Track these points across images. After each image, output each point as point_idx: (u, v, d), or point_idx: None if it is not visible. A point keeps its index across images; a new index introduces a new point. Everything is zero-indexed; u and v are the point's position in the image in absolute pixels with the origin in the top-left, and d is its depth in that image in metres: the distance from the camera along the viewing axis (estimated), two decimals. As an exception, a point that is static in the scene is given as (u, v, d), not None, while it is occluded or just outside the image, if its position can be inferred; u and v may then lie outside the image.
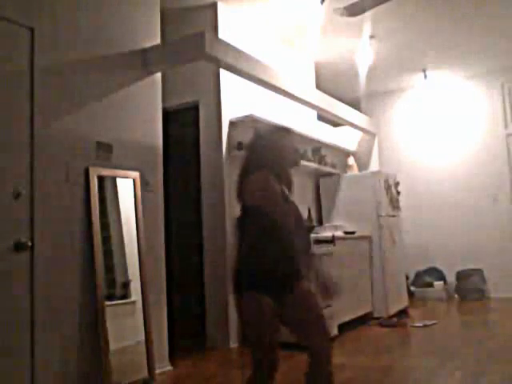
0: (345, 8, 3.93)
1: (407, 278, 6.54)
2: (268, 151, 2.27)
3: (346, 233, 5.35)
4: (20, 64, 2.87)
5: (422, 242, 6.98)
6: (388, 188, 5.92)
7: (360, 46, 5.63)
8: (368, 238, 5.59)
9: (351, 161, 6.47)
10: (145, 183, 3.64)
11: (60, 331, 2.94)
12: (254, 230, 2.14)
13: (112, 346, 3.13)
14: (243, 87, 4.78)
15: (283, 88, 4.70)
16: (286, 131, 2.40)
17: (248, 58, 4.22)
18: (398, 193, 6.21)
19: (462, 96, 7.07)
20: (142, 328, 3.40)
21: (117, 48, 3.57)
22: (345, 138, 6.87)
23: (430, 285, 6.76)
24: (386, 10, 4.63)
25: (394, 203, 6.05)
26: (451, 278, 6.74)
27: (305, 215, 5.39)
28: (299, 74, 5.91)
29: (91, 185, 3.20)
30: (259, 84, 4.51)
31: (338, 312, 4.64)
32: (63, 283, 2.99)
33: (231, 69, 4.12)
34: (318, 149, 5.91)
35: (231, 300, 4.36)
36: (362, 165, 6.89)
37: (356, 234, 5.43)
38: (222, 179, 4.47)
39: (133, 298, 3.42)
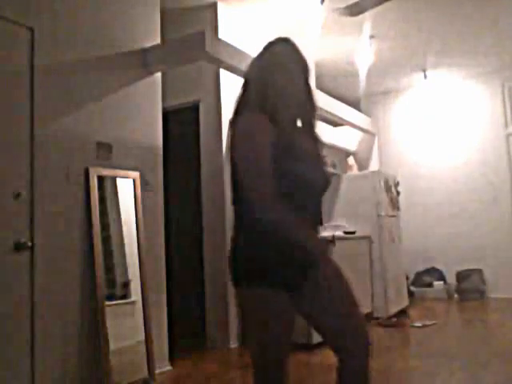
0: (345, 8, 3.94)
1: (407, 277, 6.54)
2: (260, 79, 1.58)
3: (346, 233, 5.35)
4: (20, 64, 2.87)
5: (422, 241, 6.98)
6: (388, 188, 5.92)
7: (360, 46, 5.62)
8: (368, 238, 5.59)
9: (351, 161, 6.47)
10: (145, 183, 3.64)
11: (60, 331, 2.94)
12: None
13: (112, 346, 3.13)
14: (243, 87, 4.77)
15: (283, 88, 4.69)
16: (285, 44, 1.64)
17: (248, 57, 4.20)
18: (398, 193, 6.21)
19: (462, 96, 7.07)
20: (142, 328, 3.40)
21: (117, 48, 3.57)
22: (345, 138, 6.87)
23: (430, 285, 6.77)
24: (386, 10, 4.63)
25: (394, 203, 6.05)
26: (451, 278, 6.74)
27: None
28: (299, 74, 5.90)
29: (91, 185, 3.19)
30: (259, 84, 4.50)
31: (338, 312, 4.64)
32: (63, 283, 2.99)
33: (231, 69, 4.12)
34: (318, 149, 5.91)
35: (231, 299, 4.37)
36: (362, 165, 6.89)
37: (356, 234, 5.43)
38: (222, 179, 4.46)
39: (133, 298, 3.42)
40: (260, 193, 1.46)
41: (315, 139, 1.71)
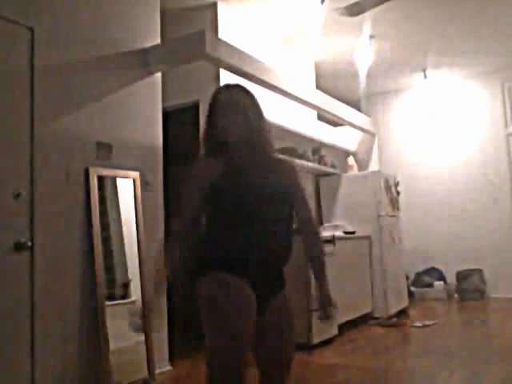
0: (345, 8, 3.94)
1: (407, 277, 6.54)
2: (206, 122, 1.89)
3: (346, 233, 5.35)
4: (20, 64, 2.87)
5: (422, 241, 6.98)
6: (388, 188, 5.92)
7: (360, 46, 5.62)
8: (368, 238, 5.59)
9: (351, 161, 6.47)
10: (145, 183, 3.64)
11: (60, 331, 2.93)
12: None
13: (112, 346, 3.13)
14: (243, 87, 4.77)
15: (283, 88, 4.69)
16: (219, 89, 1.92)
17: (248, 57, 4.22)
18: (398, 193, 6.21)
19: (462, 96, 7.07)
20: (142, 328, 3.40)
21: (117, 48, 3.57)
22: (345, 138, 6.87)
23: (430, 285, 6.76)
24: (386, 10, 4.63)
25: (394, 203, 6.05)
26: (451, 278, 6.74)
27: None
28: (299, 74, 5.90)
29: (91, 185, 3.19)
30: (259, 84, 4.50)
31: (338, 312, 4.64)
32: (63, 283, 2.99)
33: (231, 69, 4.12)
34: (318, 149, 5.91)
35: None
36: (362, 165, 6.89)
37: (356, 234, 5.43)
38: (222, 179, 4.45)
39: (133, 298, 3.42)
40: (173, 229, 1.85)
41: (269, 165, 1.86)
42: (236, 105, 1.83)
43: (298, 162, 5.28)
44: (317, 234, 1.97)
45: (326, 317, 1.86)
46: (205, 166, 1.83)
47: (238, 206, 1.74)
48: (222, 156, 1.82)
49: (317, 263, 1.93)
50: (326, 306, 1.86)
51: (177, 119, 5.00)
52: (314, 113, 6.12)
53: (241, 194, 1.75)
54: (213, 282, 1.72)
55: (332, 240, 4.72)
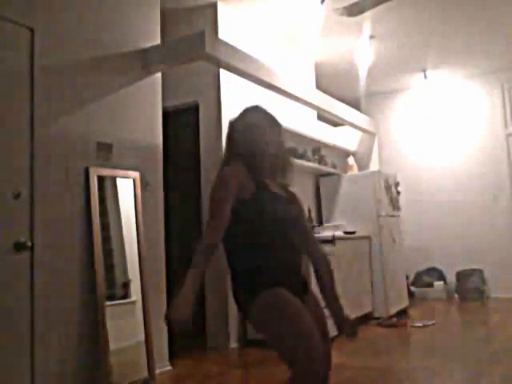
0: (345, 8, 3.93)
1: (407, 277, 6.54)
2: (245, 137, 2.07)
3: (346, 233, 5.35)
4: (20, 64, 2.87)
5: (422, 241, 6.98)
6: (388, 188, 5.92)
7: (360, 46, 5.63)
8: (368, 238, 5.59)
9: (351, 161, 6.47)
10: (145, 183, 3.64)
11: (60, 331, 2.94)
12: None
13: (112, 346, 3.13)
14: (243, 87, 4.78)
15: (283, 88, 4.69)
16: (271, 118, 2.19)
17: (248, 57, 4.22)
18: (398, 193, 6.21)
19: (462, 96, 7.07)
20: (142, 328, 3.39)
21: (117, 48, 3.57)
22: (345, 138, 6.87)
23: (430, 285, 6.77)
24: (386, 10, 4.63)
25: (394, 203, 6.05)
26: (451, 278, 6.74)
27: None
28: (299, 74, 5.90)
29: (91, 185, 3.20)
30: (259, 84, 4.51)
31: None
32: (63, 283, 2.99)
33: (231, 69, 4.12)
34: (318, 149, 5.91)
35: (231, 299, 4.37)
36: (362, 165, 6.89)
37: (356, 234, 5.43)
38: (222, 179, 4.45)
39: (133, 298, 3.42)
40: (205, 241, 1.77)
41: (283, 184, 2.05)
42: (272, 123, 2.20)
43: (298, 162, 5.29)
44: (325, 255, 2.09)
45: (353, 334, 2.11)
46: (240, 175, 1.89)
47: (271, 225, 1.85)
48: (251, 171, 1.92)
49: (328, 281, 2.09)
50: (348, 328, 2.13)
51: (177, 119, 5.00)
52: (314, 113, 6.12)
53: (274, 218, 1.86)
54: (274, 296, 1.79)
55: (332, 240, 4.72)
